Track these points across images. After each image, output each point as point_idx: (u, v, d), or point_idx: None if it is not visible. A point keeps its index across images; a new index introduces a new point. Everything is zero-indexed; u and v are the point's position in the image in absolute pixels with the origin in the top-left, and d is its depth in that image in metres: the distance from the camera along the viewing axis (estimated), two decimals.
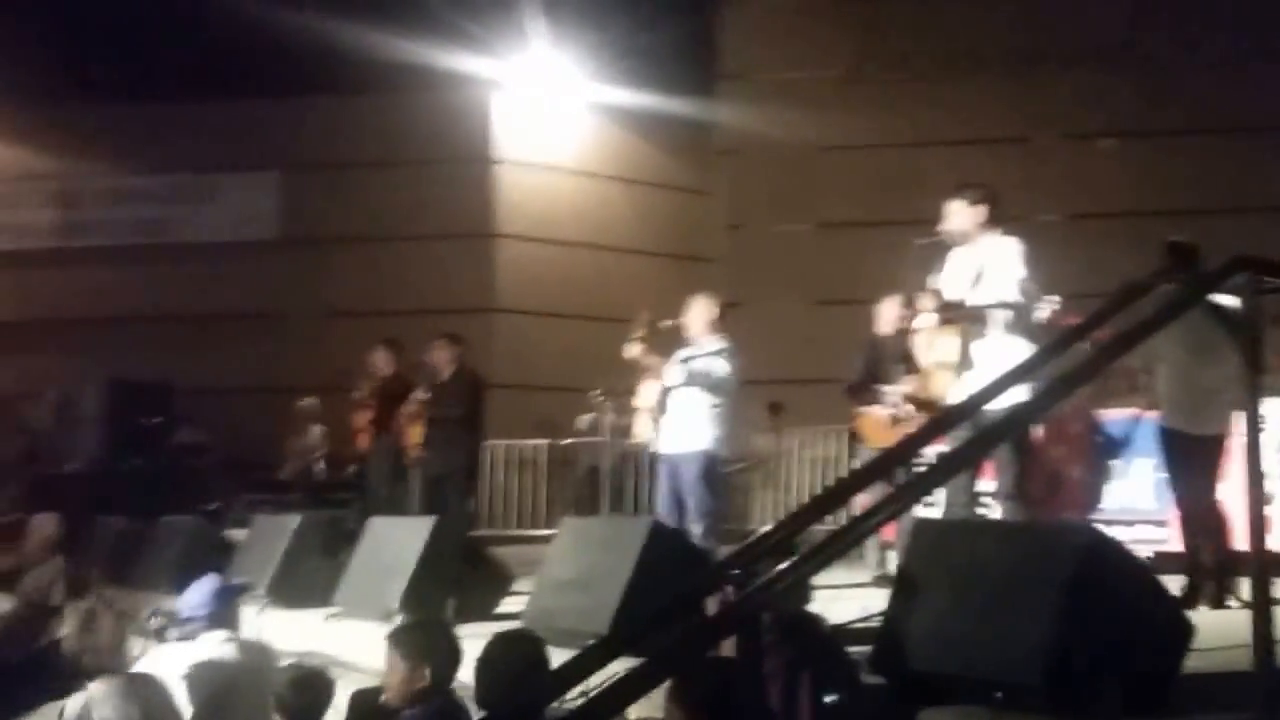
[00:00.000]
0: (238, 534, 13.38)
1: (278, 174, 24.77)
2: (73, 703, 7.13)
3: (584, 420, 18.38)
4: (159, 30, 22.78)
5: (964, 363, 8.34)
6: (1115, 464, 12.02)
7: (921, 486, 5.20)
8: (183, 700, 7.56)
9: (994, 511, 8.83)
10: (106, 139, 24.43)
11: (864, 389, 11.71)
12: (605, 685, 4.26)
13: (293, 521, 11.85)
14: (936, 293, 8.55)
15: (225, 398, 22.00)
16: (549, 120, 24.40)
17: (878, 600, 6.24)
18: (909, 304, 9.68)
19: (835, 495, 5.31)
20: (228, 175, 24.83)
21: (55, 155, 24.62)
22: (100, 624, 7.28)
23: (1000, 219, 8.66)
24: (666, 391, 10.79)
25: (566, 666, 4.86)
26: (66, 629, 7.40)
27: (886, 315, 11.37)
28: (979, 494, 8.83)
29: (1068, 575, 4.75)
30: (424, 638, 6.51)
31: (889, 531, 10.23)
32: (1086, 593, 4.71)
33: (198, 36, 22.52)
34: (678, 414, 10.73)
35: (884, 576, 9.96)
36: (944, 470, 5.92)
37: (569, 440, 19.41)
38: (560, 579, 8.37)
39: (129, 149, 24.46)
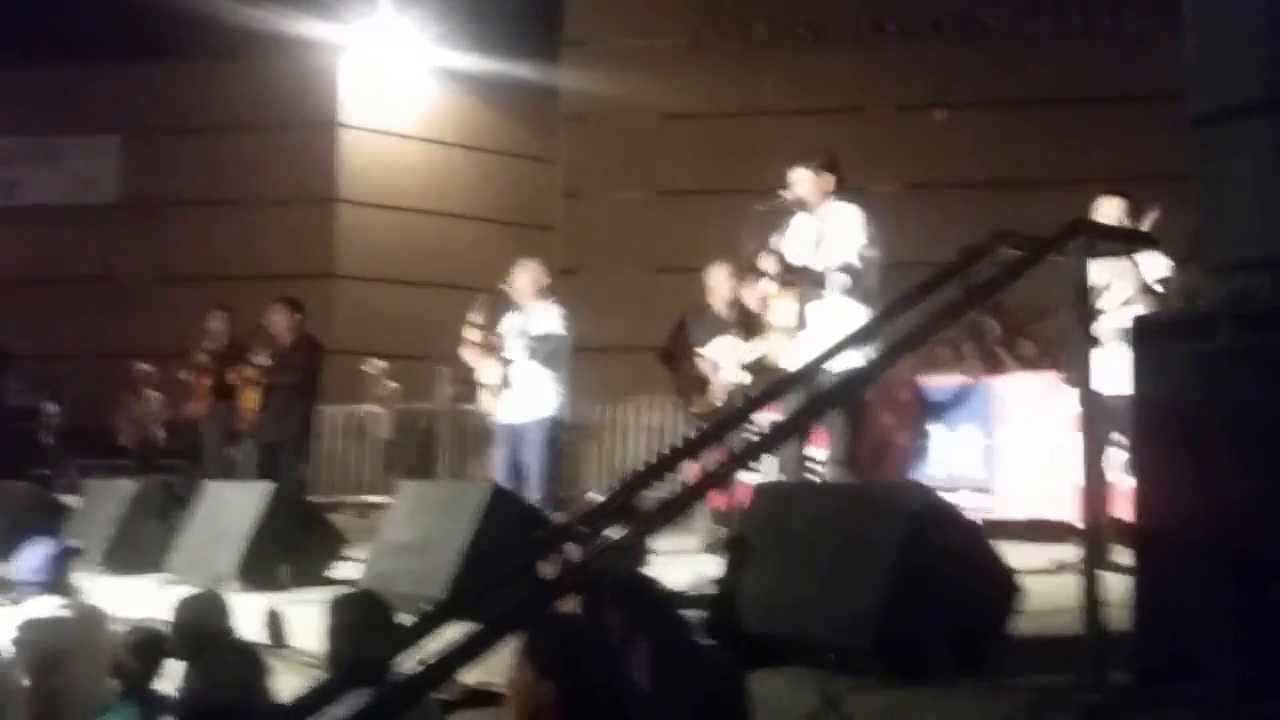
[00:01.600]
0: (71, 499, 13.17)
1: (120, 138, 24.49)
2: None
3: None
4: None
5: (800, 326, 8.43)
6: (941, 430, 12.13)
7: (756, 450, 5.21)
8: (15, 664, 7.45)
9: (824, 477, 8.91)
10: None
11: (671, 355, 11.76)
12: (446, 647, 4.25)
13: (128, 487, 11.76)
14: (779, 255, 8.62)
15: (62, 362, 21.64)
16: (393, 85, 24.29)
17: (712, 567, 6.29)
18: (745, 270, 9.74)
19: (672, 458, 5.31)
20: (69, 138, 24.50)
21: None
22: None
23: (841, 186, 8.76)
24: (507, 365, 10.78)
25: (406, 629, 4.85)
26: None
27: (714, 282, 11.41)
28: (807, 459, 8.92)
29: (899, 536, 4.80)
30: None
31: (717, 500, 10.30)
32: (918, 554, 4.76)
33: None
34: (519, 383, 10.74)
35: (715, 543, 10.02)
36: (778, 435, 5.94)
37: (404, 406, 19.30)
38: (398, 543, 8.34)
39: None
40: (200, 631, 7.00)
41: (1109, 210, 8.37)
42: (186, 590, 8.28)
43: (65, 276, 23.55)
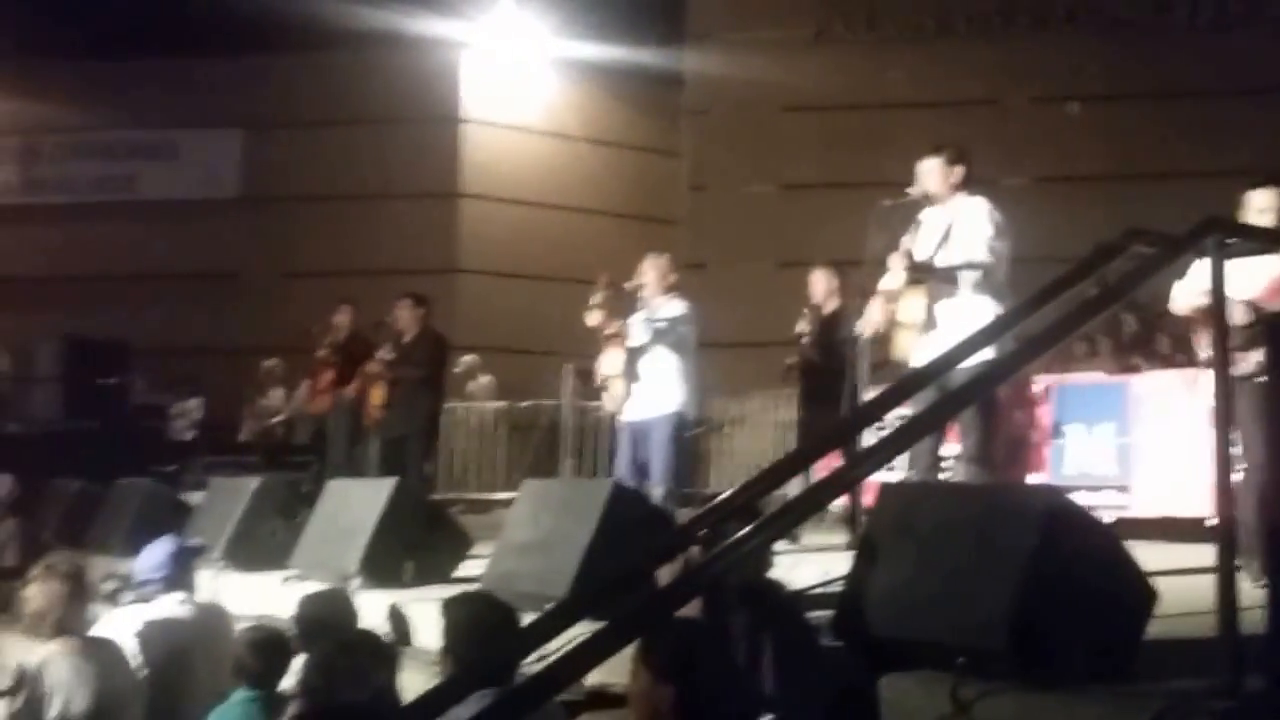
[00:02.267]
0: (195, 496, 13.27)
1: (241, 132, 24.72)
2: (29, 663, 7.06)
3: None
4: None
5: (929, 323, 8.31)
6: (1077, 429, 11.94)
7: (887, 450, 5.11)
8: (139, 663, 7.50)
9: (956, 476, 8.78)
10: (68, 95, 24.29)
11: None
12: (568, 648, 4.19)
13: (251, 484, 11.77)
14: (908, 253, 8.50)
15: (186, 359, 21.83)
16: (515, 80, 24.35)
17: (840, 565, 6.19)
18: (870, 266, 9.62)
19: (798, 460, 5.23)
20: (190, 132, 24.77)
21: (16, 111, 24.44)
22: (56, 586, 7.18)
23: (971, 180, 8.62)
24: (632, 355, 10.73)
25: (528, 629, 4.80)
26: (23, 591, 7.30)
27: (817, 286, 11.33)
28: (942, 458, 8.78)
29: (1032, 539, 4.70)
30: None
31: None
32: (1050, 557, 4.66)
33: None
34: (644, 378, 10.68)
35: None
36: (910, 433, 5.84)
37: (528, 403, 19.32)
38: (520, 542, 8.29)
39: (91, 105, 24.39)
40: (325, 628, 6.98)
41: (1262, 202, 7.90)
42: (310, 587, 8.29)
43: (187, 272, 23.77)
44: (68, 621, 7.16)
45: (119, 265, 23.86)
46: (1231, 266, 4.54)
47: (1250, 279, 7.07)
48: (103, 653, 7.22)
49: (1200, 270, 6.17)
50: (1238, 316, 7.20)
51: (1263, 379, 5.62)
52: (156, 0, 22.65)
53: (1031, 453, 12.03)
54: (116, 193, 24.73)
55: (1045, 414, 12.12)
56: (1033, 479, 11.61)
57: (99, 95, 24.35)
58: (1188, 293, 7.34)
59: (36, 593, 7.17)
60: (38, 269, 23.79)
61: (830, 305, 11.70)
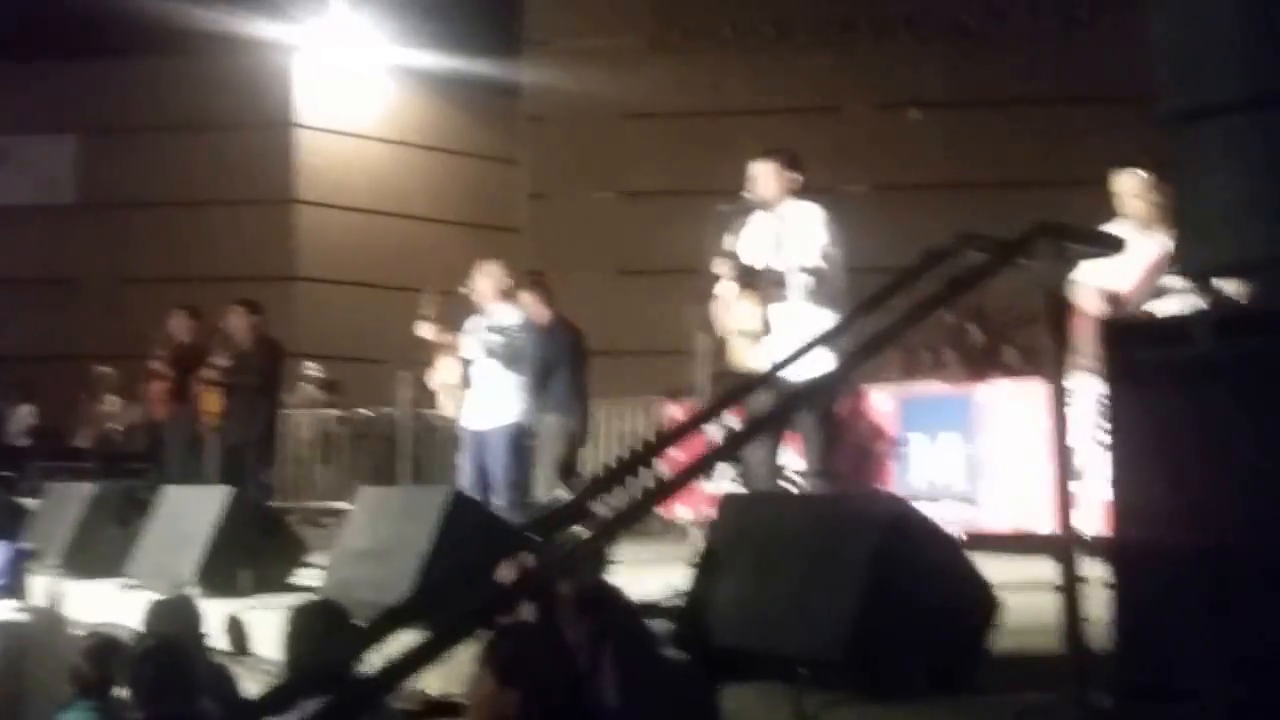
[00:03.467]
0: (31, 502, 13.09)
1: (75, 137, 24.35)
2: None
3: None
4: None
5: (764, 329, 8.32)
6: (922, 440, 11.97)
7: (717, 455, 5.12)
8: None
9: (800, 488, 8.80)
10: None
11: None
12: (403, 652, 4.16)
13: (87, 490, 11.69)
14: (734, 256, 8.49)
15: (22, 364, 21.46)
16: (351, 85, 24.23)
17: (679, 578, 6.19)
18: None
19: (632, 462, 5.21)
20: (24, 138, 24.31)
21: None
22: None
23: (804, 185, 8.64)
24: (467, 365, 10.69)
25: (360, 634, 4.76)
26: None
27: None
28: (782, 468, 8.78)
29: (872, 548, 4.69)
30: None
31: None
32: (892, 566, 4.66)
33: None
34: (482, 388, 10.65)
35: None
36: (740, 438, 5.85)
37: (366, 411, 19.18)
38: (358, 549, 8.25)
39: None
40: (172, 637, 6.88)
41: (1126, 185, 7.96)
42: (147, 595, 8.19)
43: (23, 278, 23.38)
44: None
45: None
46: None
47: (1125, 270, 7.14)
48: None
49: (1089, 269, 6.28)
50: (1092, 308, 7.30)
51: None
52: None
53: (877, 464, 12.04)
54: None
55: (890, 425, 12.12)
56: (880, 491, 11.58)
57: None
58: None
59: None
60: None
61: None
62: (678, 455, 6.33)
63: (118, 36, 21.93)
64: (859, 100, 21.47)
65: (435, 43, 23.06)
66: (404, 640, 4.44)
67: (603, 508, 5.03)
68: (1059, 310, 4.54)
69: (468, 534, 7.55)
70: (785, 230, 8.43)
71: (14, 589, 8.01)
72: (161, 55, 23.02)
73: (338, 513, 16.39)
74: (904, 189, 20.40)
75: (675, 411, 14.09)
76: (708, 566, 5.49)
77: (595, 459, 17.56)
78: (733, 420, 7.38)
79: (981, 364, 13.70)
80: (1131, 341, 4.24)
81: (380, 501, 8.91)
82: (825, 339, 5.89)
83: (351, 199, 24.01)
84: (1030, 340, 13.73)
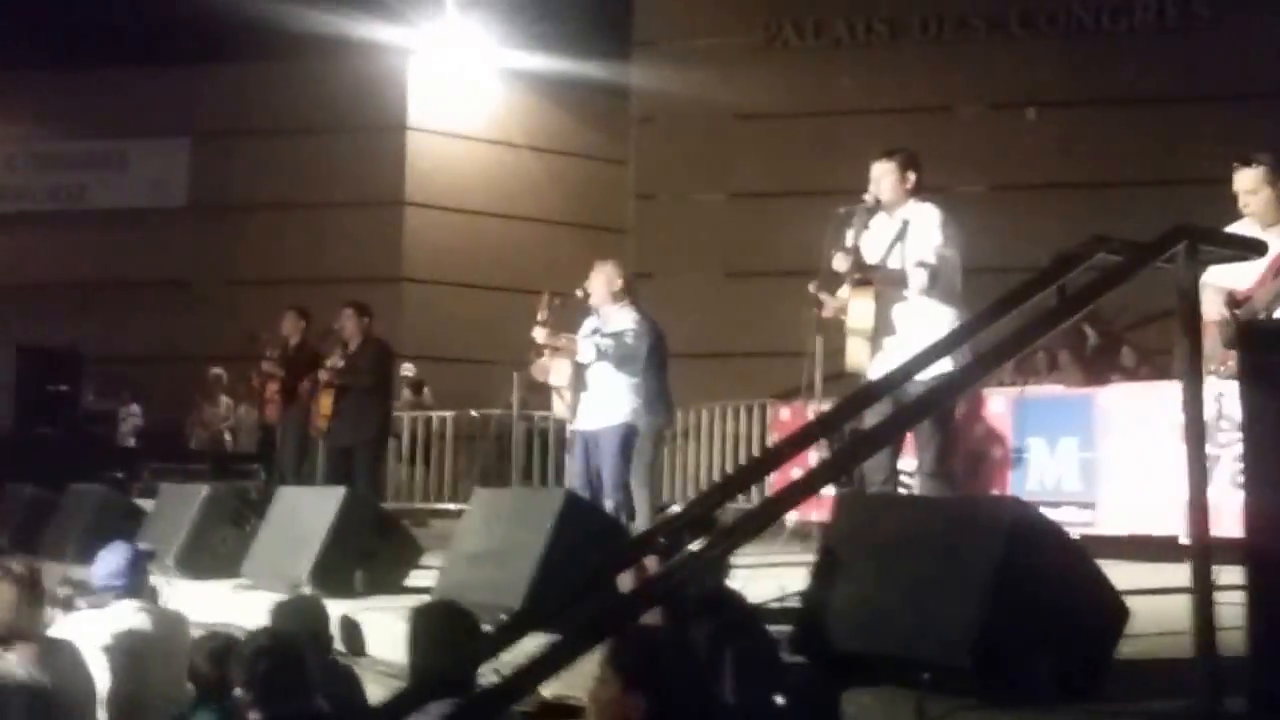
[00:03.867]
0: (145, 503, 13.22)
1: (189, 141, 24.65)
2: None
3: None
4: None
5: (880, 329, 8.26)
6: (1039, 443, 11.70)
7: (843, 462, 5.08)
8: (96, 668, 7.45)
9: (914, 490, 8.72)
10: (19, 105, 24.34)
11: None
12: (528, 658, 4.15)
13: (200, 491, 11.76)
14: (855, 251, 8.44)
15: (135, 366, 21.74)
16: (461, 88, 24.32)
17: (795, 580, 6.15)
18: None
19: (755, 470, 5.18)
20: (139, 141, 24.75)
21: None
22: (10, 590, 7.13)
23: (922, 186, 8.58)
24: (580, 366, 10.67)
25: (485, 638, 4.75)
26: None
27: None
28: (899, 471, 8.70)
29: (997, 552, 4.60)
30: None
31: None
32: (1017, 571, 4.55)
33: (110, 3, 22.20)
34: (594, 389, 10.62)
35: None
36: (866, 445, 5.80)
37: (477, 412, 19.22)
38: (472, 551, 8.24)
39: (42, 115, 24.47)
40: (298, 637, 6.89)
41: (1245, 182, 7.64)
42: (262, 595, 8.24)
43: (136, 280, 23.72)
44: (22, 626, 7.10)
45: (70, 273, 23.84)
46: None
47: (1245, 269, 6.99)
48: (59, 657, 7.15)
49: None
50: (1212, 312, 7.17)
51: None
52: (104, 11, 22.51)
53: (992, 468, 11.87)
54: (67, 202, 24.84)
55: (1005, 429, 11.91)
56: (1005, 494, 11.30)
57: (48, 106, 24.36)
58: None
59: None
60: None
61: None
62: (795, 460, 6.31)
63: (231, 41, 22.18)
64: (973, 100, 21.11)
65: (545, 45, 23.11)
66: (525, 646, 4.44)
67: (724, 513, 5.02)
68: (1193, 313, 4.46)
69: (582, 537, 7.54)
70: (904, 231, 8.37)
71: (133, 590, 8.07)
72: (274, 59, 23.28)
73: (443, 514, 16.50)
74: (1020, 189, 19.99)
75: (786, 414, 13.99)
76: (825, 569, 5.43)
77: (704, 461, 17.61)
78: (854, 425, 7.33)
79: (1098, 366, 13.47)
80: (1266, 343, 4.16)
81: (494, 503, 8.90)
82: (951, 342, 5.82)
83: (461, 201, 24.13)
84: (1147, 342, 13.53)
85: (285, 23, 21.29)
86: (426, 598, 7.73)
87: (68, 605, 8.50)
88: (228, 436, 19.22)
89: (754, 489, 9.79)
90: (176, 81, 24.15)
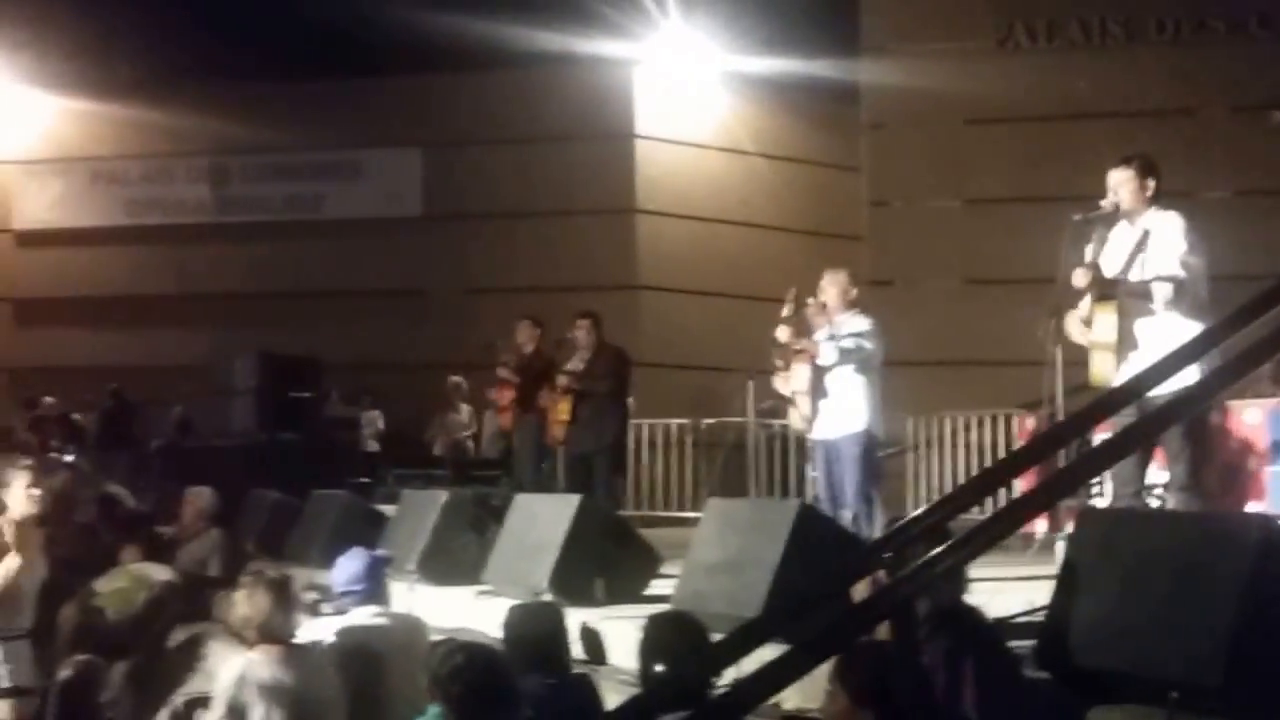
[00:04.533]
0: (388, 509, 13.46)
1: (421, 150, 25.01)
2: (230, 668, 7.22)
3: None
4: (307, 8, 22.95)
5: (1124, 342, 8.11)
6: None
7: (1083, 470, 4.98)
8: (338, 672, 7.61)
9: (1166, 504, 8.55)
10: (256, 116, 24.76)
11: None
12: (756, 669, 4.15)
13: (441, 497, 11.93)
14: (1094, 267, 8.31)
15: (374, 373, 22.16)
16: (689, 95, 24.37)
17: (1043, 594, 6.06)
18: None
19: (990, 479, 5.11)
20: (373, 151, 25.16)
21: (204, 131, 24.94)
22: (264, 594, 7.34)
23: (1162, 192, 8.41)
24: (819, 373, 10.61)
25: (715, 649, 4.76)
26: (231, 598, 7.48)
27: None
28: (1150, 486, 8.53)
29: (1246, 569, 4.51)
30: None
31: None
32: (1266, 589, 4.46)
33: (345, 14, 22.67)
34: (833, 395, 10.57)
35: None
36: (1107, 454, 5.68)
37: (713, 420, 19.24)
38: (709, 561, 8.28)
39: (278, 126, 24.84)
40: (536, 644, 6.98)
41: None
42: (503, 602, 8.33)
43: (373, 288, 24.20)
44: (274, 629, 7.28)
45: (308, 282, 24.44)
46: None
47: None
48: (304, 661, 7.35)
49: None
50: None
51: None
52: (336, 23, 22.98)
53: (1249, 481, 11.52)
54: (304, 212, 25.30)
55: (1262, 440, 11.52)
56: (1251, 508, 10.99)
57: (283, 116, 24.84)
58: None
59: (244, 600, 7.31)
60: (231, 286, 24.42)
61: None
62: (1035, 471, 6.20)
63: (460, 53, 22.47)
64: (1214, 102, 20.41)
65: (771, 50, 23.05)
66: (759, 656, 4.44)
67: (960, 524, 4.96)
68: None
69: (818, 548, 7.54)
70: (1145, 240, 8.22)
71: (375, 595, 8.22)
72: (504, 70, 23.52)
73: (682, 522, 16.53)
74: (1266, 194, 19.38)
75: (1031, 423, 13.79)
76: (1069, 583, 5.35)
77: (945, 470, 17.42)
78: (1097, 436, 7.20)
79: None
80: None
81: (729, 513, 8.92)
82: (1194, 351, 5.68)
83: (691, 208, 24.17)
84: None
85: (515, 35, 21.61)
86: (665, 606, 7.77)
87: (313, 610, 8.73)
88: (470, 444, 19.47)
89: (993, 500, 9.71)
90: (409, 92, 24.61)
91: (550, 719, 6.43)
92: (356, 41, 23.13)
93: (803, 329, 10.85)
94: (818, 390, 10.64)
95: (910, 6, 22.29)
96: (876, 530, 10.00)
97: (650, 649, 6.10)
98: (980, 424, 16.89)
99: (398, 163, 25.19)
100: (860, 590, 5.18)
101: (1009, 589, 7.15)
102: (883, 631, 5.07)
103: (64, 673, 7.05)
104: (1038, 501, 4.60)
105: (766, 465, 17.11)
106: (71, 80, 25.11)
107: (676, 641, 6.02)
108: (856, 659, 4.79)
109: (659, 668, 6.03)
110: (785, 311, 10.82)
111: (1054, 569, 7.94)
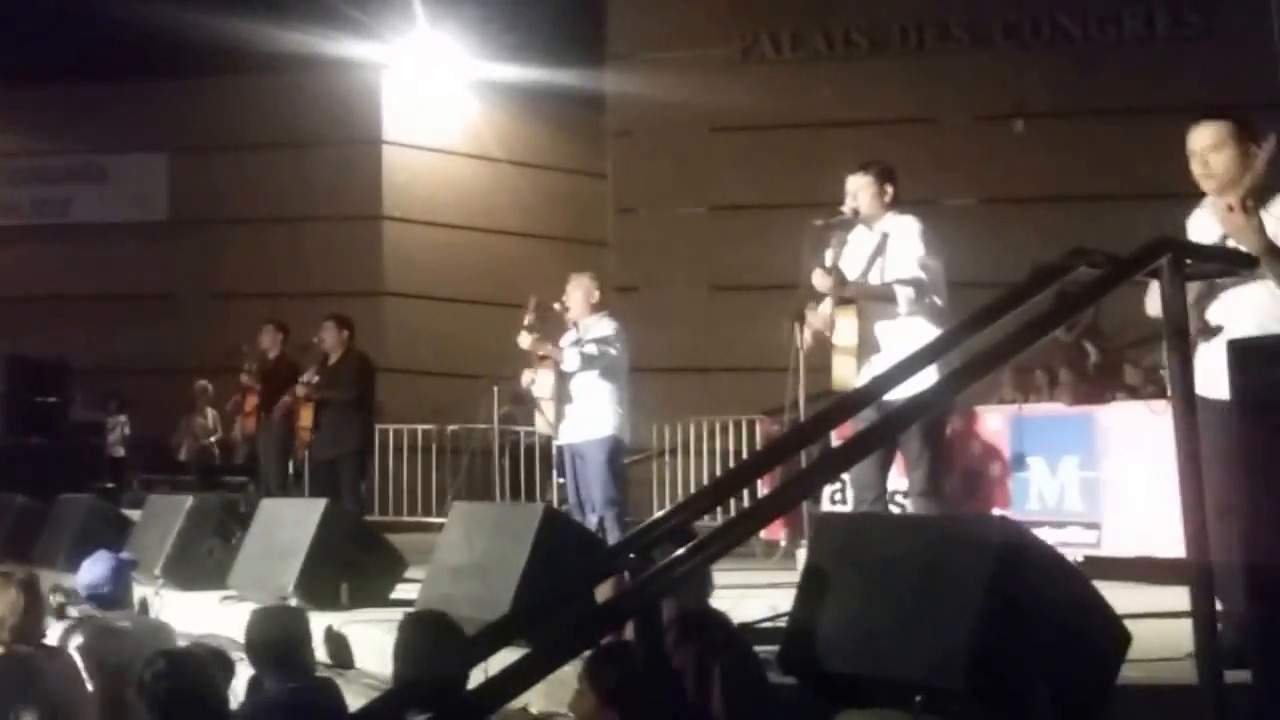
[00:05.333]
0: (133, 513, 13.26)
1: (168, 155, 24.74)
2: None
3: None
4: (50, 13, 22.45)
5: (865, 346, 8.21)
6: (1040, 463, 11.53)
7: (820, 474, 5.04)
8: (85, 676, 7.54)
9: (904, 509, 8.67)
10: (2, 120, 24.19)
11: None
12: (505, 670, 4.14)
13: (186, 502, 11.76)
14: (835, 271, 8.39)
15: (119, 377, 21.76)
16: (437, 101, 24.37)
17: (787, 600, 6.12)
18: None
19: (732, 482, 5.15)
20: (119, 156, 24.84)
21: None
22: (13, 595, 7.20)
23: (900, 198, 8.55)
24: (563, 378, 10.63)
25: (467, 647, 4.74)
26: None
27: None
28: (892, 492, 8.63)
29: (989, 571, 4.51)
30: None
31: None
32: (1011, 591, 4.46)
33: (89, 19, 22.21)
34: (578, 401, 10.58)
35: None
36: (844, 457, 5.76)
37: (457, 426, 19.20)
38: (453, 565, 8.22)
39: (23, 130, 24.67)
40: (278, 647, 6.88)
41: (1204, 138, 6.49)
42: (247, 606, 8.24)
43: (120, 293, 23.77)
44: (24, 630, 7.16)
45: (55, 286, 23.96)
46: None
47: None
48: (55, 663, 7.32)
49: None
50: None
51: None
52: (82, 26, 22.54)
53: (991, 486, 11.73)
54: (51, 216, 25.03)
55: (1003, 447, 11.72)
56: (994, 514, 11.09)
57: (30, 120, 24.61)
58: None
59: None
60: None
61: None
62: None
63: (208, 57, 22.21)
64: (957, 111, 20.92)
65: (519, 57, 23.08)
66: (506, 657, 4.42)
67: (702, 528, 4.98)
68: (1180, 329, 4.41)
69: (563, 551, 7.52)
70: (883, 244, 8.34)
71: (120, 599, 8.13)
72: (251, 74, 23.36)
73: (426, 527, 16.45)
74: (1008, 202, 19.81)
75: (774, 430, 13.95)
76: (812, 588, 5.38)
77: (691, 476, 17.57)
78: (835, 440, 7.31)
79: (1100, 384, 13.29)
80: (1259, 359, 4.11)
81: (474, 517, 8.87)
82: (930, 355, 5.78)
83: (439, 214, 24.13)
84: (1152, 359, 13.40)
85: (260, 39, 21.37)
86: (412, 610, 7.71)
87: (60, 613, 8.62)
88: (215, 449, 19.21)
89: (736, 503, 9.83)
90: (155, 96, 24.31)
91: None
92: (104, 45, 22.72)
93: (548, 335, 10.85)
94: (563, 395, 10.66)
95: (655, 16, 22.49)
96: (611, 535, 10.02)
97: (405, 649, 6.02)
98: (725, 430, 17.06)
99: (144, 167, 24.98)
100: (605, 592, 5.20)
101: (753, 595, 7.19)
102: (629, 633, 5.06)
103: None
104: (778, 503, 4.65)
105: (511, 471, 17.09)
106: None
107: (428, 640, 5.96)
108: (606, 659, 4.79)
109: (412, 668, 5.96)
110: (526, 320, 10.82)
111: (797, 576, 8.06)
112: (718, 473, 16.76)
